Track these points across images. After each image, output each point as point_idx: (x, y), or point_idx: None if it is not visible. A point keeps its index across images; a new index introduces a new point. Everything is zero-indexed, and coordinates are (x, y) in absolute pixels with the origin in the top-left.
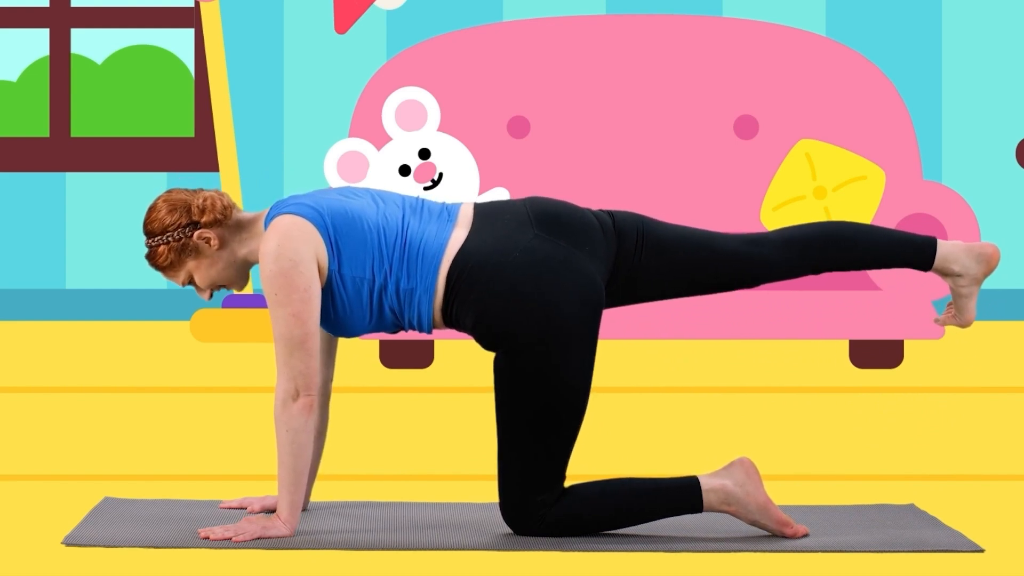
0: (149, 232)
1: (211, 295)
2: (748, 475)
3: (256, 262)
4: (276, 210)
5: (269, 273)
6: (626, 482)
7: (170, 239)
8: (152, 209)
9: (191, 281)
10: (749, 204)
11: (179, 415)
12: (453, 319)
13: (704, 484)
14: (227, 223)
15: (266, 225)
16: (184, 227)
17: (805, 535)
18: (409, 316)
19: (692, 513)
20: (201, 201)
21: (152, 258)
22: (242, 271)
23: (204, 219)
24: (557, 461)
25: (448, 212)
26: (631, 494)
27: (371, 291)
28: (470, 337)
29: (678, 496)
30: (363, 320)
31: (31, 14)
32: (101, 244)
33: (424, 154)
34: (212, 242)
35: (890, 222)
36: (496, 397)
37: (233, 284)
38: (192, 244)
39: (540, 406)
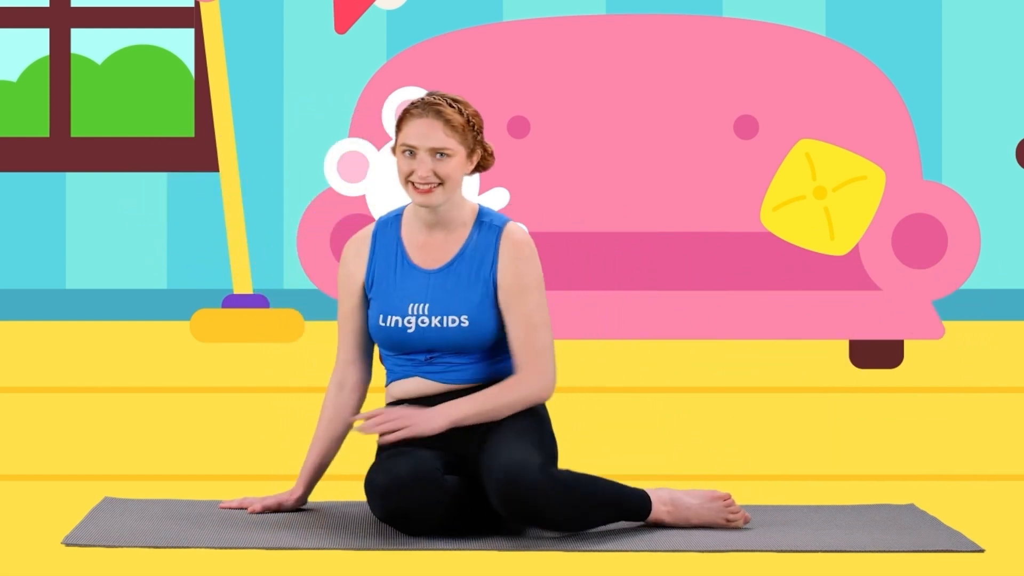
0: (470, 117)
1: (423, 180)
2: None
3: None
4: (503, 218)
5: (537, 269)
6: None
7: (479, 130)
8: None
9: (429, 156)
10: (749, 204)
11: (179, 415)
12: None
13: (650, 491)
14: (467, 175)
15: (499, 222)
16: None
17: (746, 521)
18: None
19: (638, 519)
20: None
21: (464, 118)
22: (450, 196)
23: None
24: None
25: None
26: (597, 491)
27: None
28: None
29: (631, 500)
30: None
31: (31, 14)
32: (101, 244)
33: None
34: (467, 165)
35: (890, 222)
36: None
37: (436, 190)
38: (477, 144)
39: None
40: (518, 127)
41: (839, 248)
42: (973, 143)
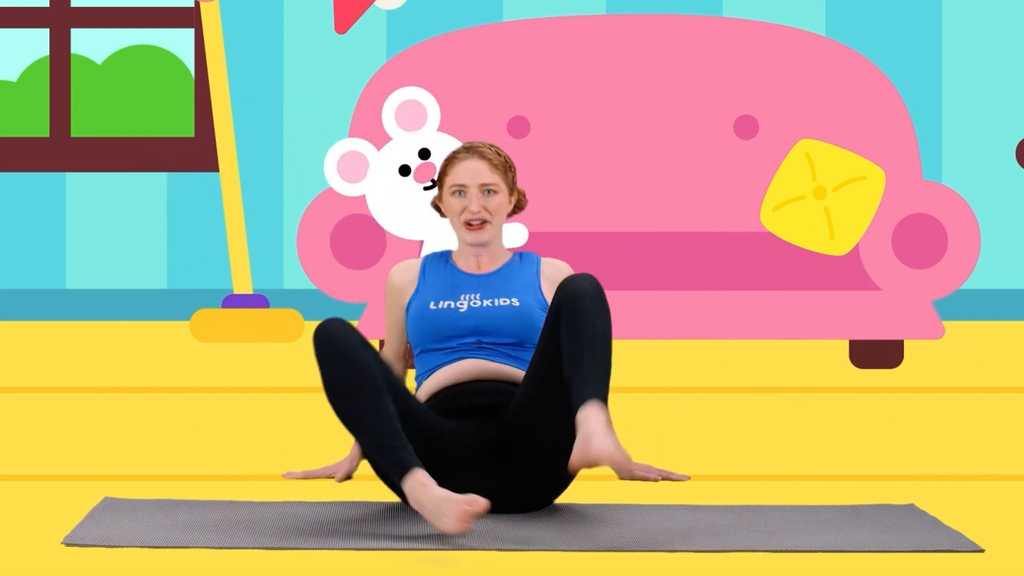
0: (507, 160)
1: (475, 215)
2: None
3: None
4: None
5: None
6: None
7: (514, 172)
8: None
9: (473, 194)
10: (749, 204)
11: (179, 415)
12: None
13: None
14: (505, 217)
15: (535, 255)
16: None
17: (485, 509)
18: None
19: (397, 477)
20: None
21: (503, 159)
22: (496, 233)
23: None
24: None
25: None
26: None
27: None
28: None
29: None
30: None
31: (31, 14)
32: (101, 244)
33: (424, 154)
34: (509, 204)
35: (890, 222)
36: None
37: (486, 226)
38: (514, 185)
39: None
40: (518, 127)
41: (839, 248)
42: (973, 143)
